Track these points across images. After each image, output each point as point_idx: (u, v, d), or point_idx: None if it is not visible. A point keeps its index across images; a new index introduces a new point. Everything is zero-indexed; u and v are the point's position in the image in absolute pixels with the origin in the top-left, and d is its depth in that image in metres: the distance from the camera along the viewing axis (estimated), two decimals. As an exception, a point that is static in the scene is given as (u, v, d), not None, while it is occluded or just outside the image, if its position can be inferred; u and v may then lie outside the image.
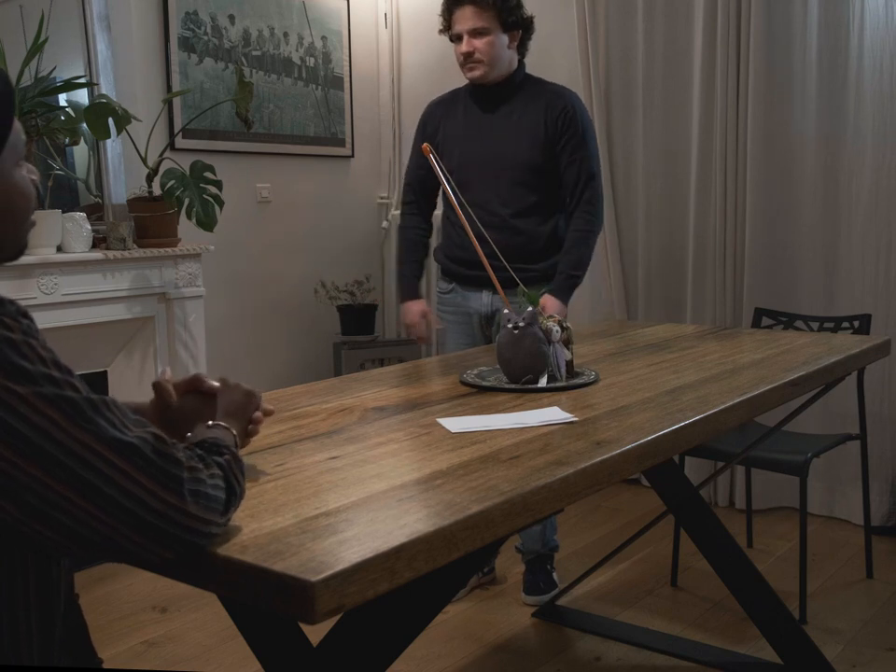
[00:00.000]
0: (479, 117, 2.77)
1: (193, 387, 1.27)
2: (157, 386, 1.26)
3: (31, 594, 1.01)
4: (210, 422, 1.16)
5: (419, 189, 2.89)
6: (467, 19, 2.65)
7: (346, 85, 4.47)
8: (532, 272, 2.66)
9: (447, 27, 2.73)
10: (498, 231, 2.62)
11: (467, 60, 2.68)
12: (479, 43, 2.65)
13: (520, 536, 2.87)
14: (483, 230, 2.32)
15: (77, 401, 0.92)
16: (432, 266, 4.37)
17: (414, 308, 2.86)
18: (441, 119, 2.83)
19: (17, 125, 1.06)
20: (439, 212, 2.98)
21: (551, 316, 1.89)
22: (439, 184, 2.79)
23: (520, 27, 2.72)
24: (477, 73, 2.69)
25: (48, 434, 0.90)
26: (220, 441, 1.09)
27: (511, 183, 2.72)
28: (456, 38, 2.70)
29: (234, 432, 1.16)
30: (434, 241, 3.03)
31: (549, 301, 2.61)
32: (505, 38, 2.68)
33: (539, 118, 2.71)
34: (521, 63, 2.78)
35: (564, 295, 2.67)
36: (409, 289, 2.89)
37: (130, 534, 0.92)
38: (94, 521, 0.91)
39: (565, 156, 2.70)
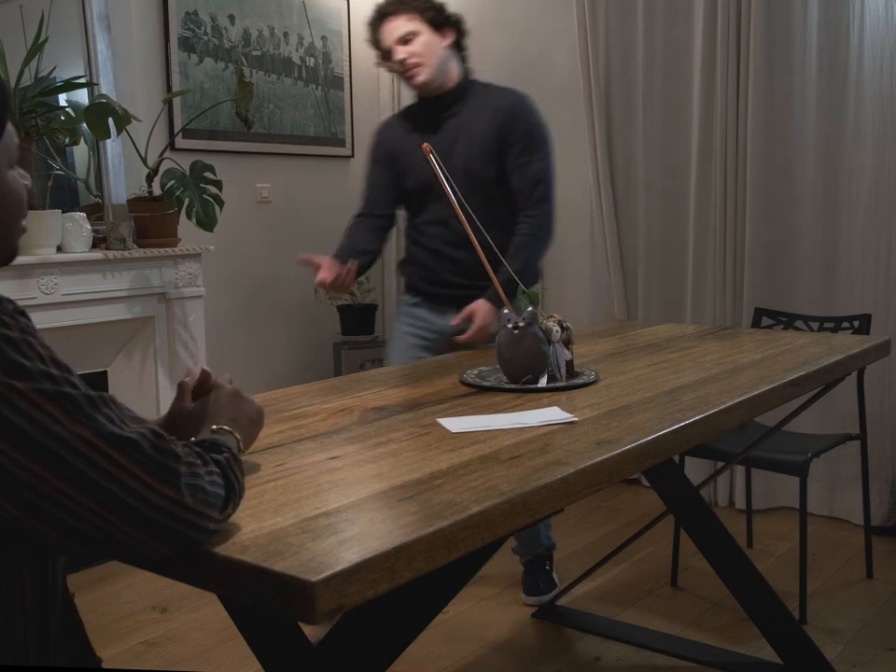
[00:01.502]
0: (433, 132, 2.62)
1: (204, 385, 1.27)
2: (181, 387, 1.27)
3: (27, 594, 1.01)
4: (215, 426, 1.16)
5: (374, 208, 2.74)
6: (392, 29, 2.57)
7: (346, 85, 4.47)
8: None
9: (380, 52, 2.62)
10: (462, 249, 2.50)
11: (405, 67, 2.57)
12: (412, 47, 2.55)
13: (515, 538, 2.86)
14: (447, 247, 2.34)
15: (75, 397, 0.93)
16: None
17: (333, 268, 2.49)
18: (393, 141, 2.70)
19: (10, 128, 1.06)
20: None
21: (551, 316, 1.89)
22: (396, 202, 2.73)
23: (449, 24, 2.61)
24: (421, 77, 2.56)
25: (47, 429, 0.90)
26: (220, 441, 1.09)
27: (469, 197, 2.53)
28: (389, 52, 2.59)
29: (238, 437, 1.16)
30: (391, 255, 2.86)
31: (481, 307, 2.41)
32: (437, 38, 2.57)
33: (486, 125, 2.57)
34: (465, 69, 2.66)
35: (498, 300, 2.32)
36: (339, 253, 2.62)
37: (128, 528, 0.93)
38: (92, 516, 0.92)
39: (511, 160, 2.56)
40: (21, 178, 1.09)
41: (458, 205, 2.14)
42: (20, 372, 0.91)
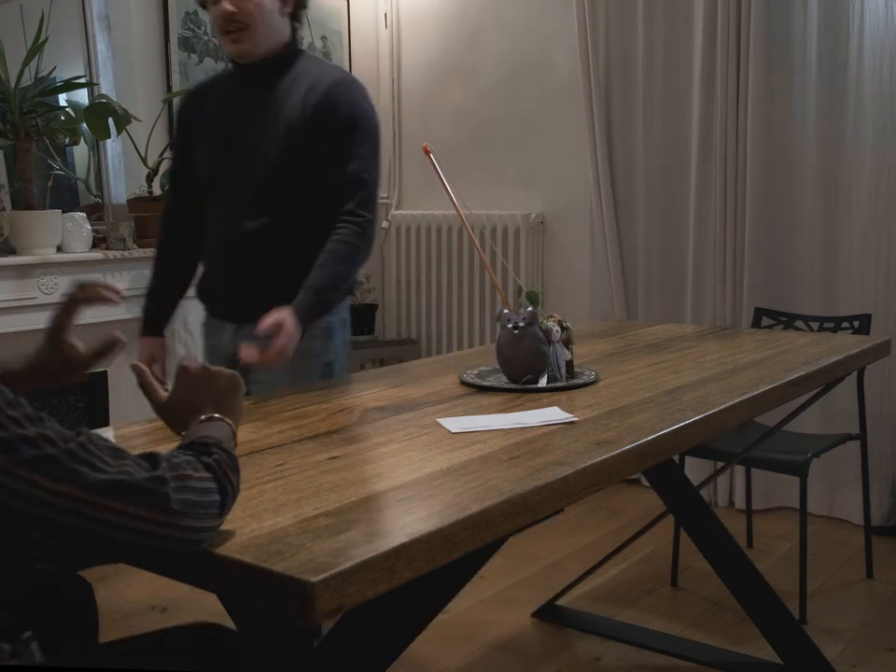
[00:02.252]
0: (235, 107, 2.14)
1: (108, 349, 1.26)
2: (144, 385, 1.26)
3: None
4: (203, 416, 1.16)
5: (184, 197, 2.25)
6: None
7: (346, 85, 4.46)
8: (284, 301, 1.92)
9: None
10: (242, 253, 2.08)
11: (228, 25, 2.02)
12: (244, 3, 2.00)
13: None
14: (229, 251, 2.07)
15: (56, 457, 0.91)
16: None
17: (145, 349, 2.22)
18: (195, 113, 2.19)
19: None
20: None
21: (551, 316, 1.89)
22: (205, 188, 2.19)
23: None
24: (245, 44, 2.04)
25: (34, 498, 0.89)
26: (210, 440, 1.08)
27: (260, 191, 2.08)
28: None
29: (229, 421, 1.16)
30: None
31: (289, 322, 1.85)
32: (278, 2, 2.06)
33: (300, 102, 2.05)
34: (294, 37, 2.16)
35: (305, 316, 1.91)
36: (148, 322, 2.27)
37: (125, 556, 0.96)
38: (94, 555, 0.94)
39: (327, 150, 2.04)
40: None
41: (458, 209, 2.11)
42: None
